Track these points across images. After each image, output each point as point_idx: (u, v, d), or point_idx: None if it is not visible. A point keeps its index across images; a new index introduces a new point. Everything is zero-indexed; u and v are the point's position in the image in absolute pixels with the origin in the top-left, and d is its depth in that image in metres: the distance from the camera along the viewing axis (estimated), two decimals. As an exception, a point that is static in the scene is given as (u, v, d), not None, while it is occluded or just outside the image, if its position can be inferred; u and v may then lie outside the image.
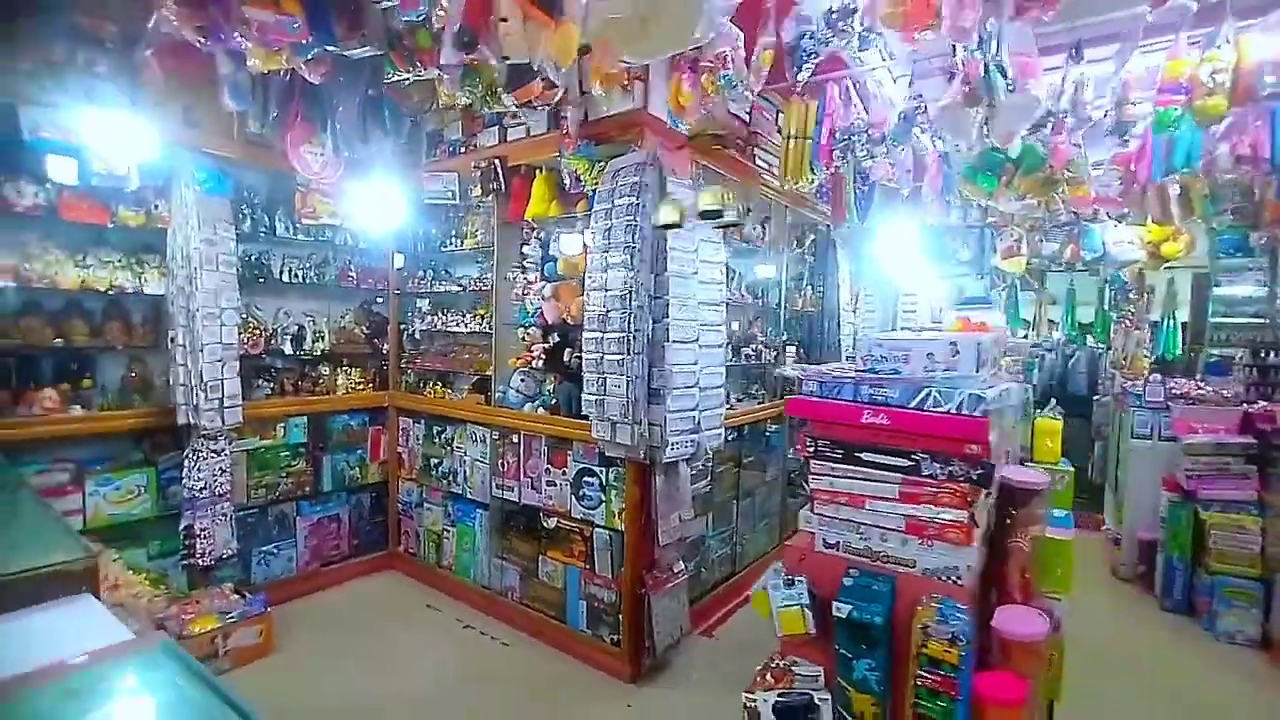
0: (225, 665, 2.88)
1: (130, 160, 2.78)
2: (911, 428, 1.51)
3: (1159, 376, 4.19)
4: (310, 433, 3.75)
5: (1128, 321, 6.27)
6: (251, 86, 2.65)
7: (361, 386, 4.01)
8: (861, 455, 1.59)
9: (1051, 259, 5.48)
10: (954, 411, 1.47)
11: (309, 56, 2.21)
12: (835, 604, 1.54)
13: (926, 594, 1.50)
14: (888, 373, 1.65)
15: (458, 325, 3.77)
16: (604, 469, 2.99)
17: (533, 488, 3.33)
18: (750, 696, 1.65)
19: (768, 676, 1.71)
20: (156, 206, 3.04)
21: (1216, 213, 3.96)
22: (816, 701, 1.60)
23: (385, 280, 4.09)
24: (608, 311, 2.62)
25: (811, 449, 1.69)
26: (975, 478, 1.46)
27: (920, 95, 2.69)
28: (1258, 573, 3.39)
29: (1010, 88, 2.14)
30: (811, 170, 3.04)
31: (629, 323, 2.55)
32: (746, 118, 3.28)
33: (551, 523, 3.27)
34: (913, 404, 1.53)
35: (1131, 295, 6.34)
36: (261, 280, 3.54)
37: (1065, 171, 3.22)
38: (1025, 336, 6.85)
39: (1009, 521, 1.80)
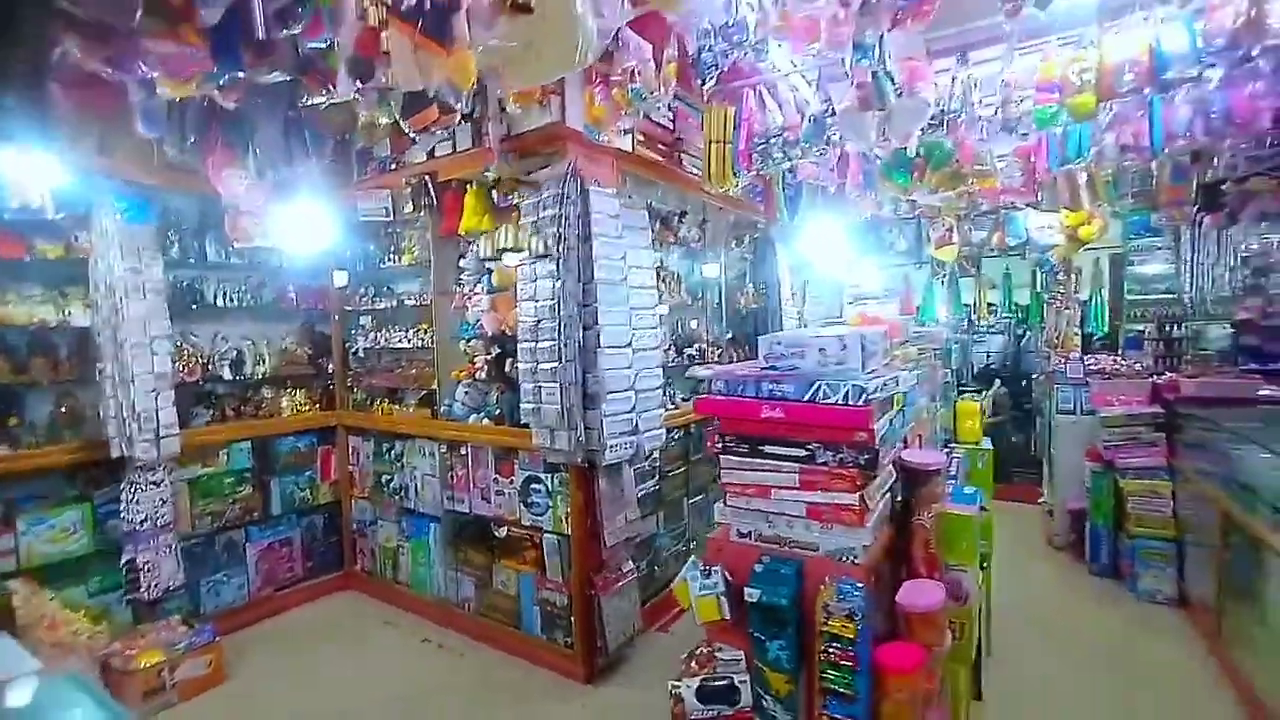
0: (174, 699, 2.85)
1: (44, 192, 2.73)
2: (805, 419, 1.62)
3: (1078, 354, 4.43)
4: (256, 457, 3.71)
5: (1058, 302, 6.60)
6: (167, 113, 2.62)
7: (307, 408, 3.98)
8: (764, 448, 1.69)
9: (981, 246, 5.73)
10: (840, 403, 1.58)
11: (220, 84, 2.23)
12: (746, 590, 1.64)
13: (828, 575, 1.61)
14: (786, 369, 1.75)
15: (401, 341, 3.78)
16: (549, 475, 3.05)
17: (483, 498, 3.37)
18: (675, 684, 1.74)
19: (693, 664, 1.80)
20: (77, 237, 2.99)
21: (1119, 197, 4.23)
22: (736, 684, 1.70)
23: (326, 299, 4.07)
24: (539, 321, 2.69)
25: (720, 445, 1.78)
26: (863, 463, 1.57)
27: (829, 99, 2.82)
28: (1171, 534, 3.63)
29: (898, 92, 2.28)
30: (734, 174, 3.16)
31: (559, 331, 2.62)
32: (670, 125, 3.38)
33: (503, 532, 3.32)
34: (806, 397, 1.63)
35: (1060, 277, 6.68)
36: (195, 306, 3.50)
37: (974, 165, 3.41)
38: (968, 320, 7.12)
39: (912, 501, 1.94)
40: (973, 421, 3.15)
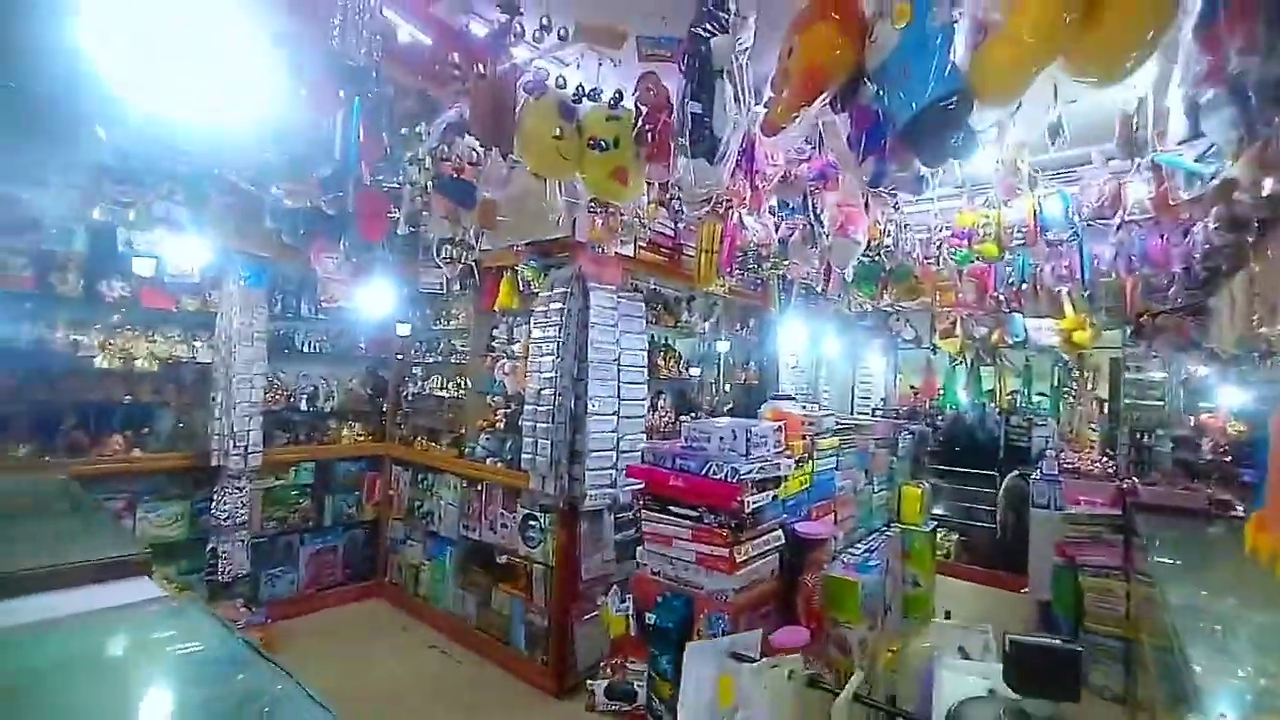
0: (230, 664, 3.56)
1: (195, 263, 3.71)
2: (696, 489, 2.18)
3: (1053, 451, 4.70)
4: (317, 476, 4.53)
5: (1072, 398, 6.78)
6: (288, 214, 3.56)
7: (363, 438, 4.80)
8: (670, 507, 2.26)
9: (983, 340, 6.07)
10: (723, 479, 2.14)
11: (324, 198, 3.10)
12: (646, 615, 2.19)
13: (706, 609, 2.13)
14: (696, 449, 2.33)
15: (443, 390, 4.56)
16: (544, 515, 3.67)
17: (491, 529, 4.01)
18: (591, 682, 2.28)
19: (609, 669, 2.34)
20: (210, 295, 3.96)
21: (1094, 310, 4.57)
22: (635, 688, 2.23)
23: (389, 349, 4.94)
24: (540, 390, 3.37)
25: (642, 502, 2.36)
26: (733, 525, 2.11)
27: (793, 228, 3.45)
28: (1121, 633, 3.82)
29: (827, 234, 2.88)
30: (719, 276, 3.81)
31: (554, 398, 3.29)
32: (673, 232, 4.08)
33: (503, 559, 3.93)
34: (701, 472, 2.20)
35: (1073, 374, 6.87)
36: (286, 351, 4.42)
37: (936, 282, 3.93)
38: (990, 406, 7.30)
39: (800, 563, 2.44)
40: (915, 505, 3.55)
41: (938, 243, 3.03)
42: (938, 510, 6.87)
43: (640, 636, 2.25)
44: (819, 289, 4.50)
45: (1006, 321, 5.91)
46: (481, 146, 2.03)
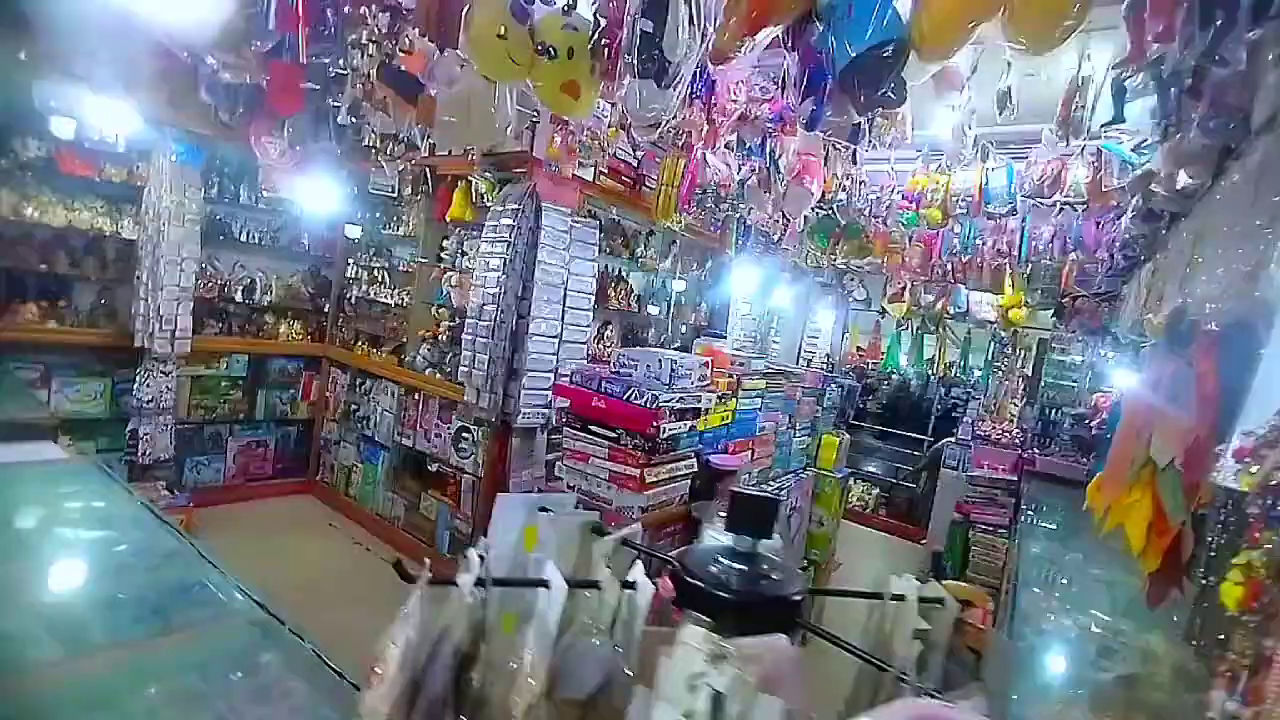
0: (149, 544, 3.59)
1: (120, 131, 3.45)
2: (615, 411, 2.27)
3: (970, 419, 5.01)
4: (250, 369, 4.44)
5: (1001, 372, 7.15)
6: (226, 89, 3.32)
7: (301, 337, 4.70)
8: (590, 427, 2.35)
9: (927, 309, 6.29)
10: (642, 405, 2.22)
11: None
12: (557, 523, 2.30)
13: (614, 523, 2.26)
14: (623, 374, 2.40)
15: (388, 297, 4.47)
16: (477, 428, 3.73)
17: (425, 438, 4.06)
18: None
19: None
20: (138, 167, 3.71)
21: (1031, 290, 4.79)
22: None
23: (333, 250, 4.78)
24: (483, 305, 3.35)
25: (565, 420, 2.44)
26: (646, 448, 2.22)
27: (753, 170, 3.43)
28: (996, 582, 4.23)
29: (783, 182, 2.89)
30: (676, 211, 3.79)
31: (496, 315, 3.28)
32: (636, 161, 4.01)
33: (435, 467, 4.01)
34: (624, 396, 2.28)
35: (1006, 350, 7.22)
36: (222, 237, 4.22)
37: (887, 244, 4.01)
38: (938, 372, 7.66)
39: (714, 490, 2.59)
40: (830, 452, 3.78)
41: (886, 204, 3.09)
42: (870, 467, 7.32)
43: (550, 544, 2.38)
44: (774, 237, 4.54)
45: (952, 292, 6.12)
46: (425, 38, 1.93)
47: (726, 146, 2.88)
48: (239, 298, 4.33)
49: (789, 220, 3.54)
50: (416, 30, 2.05)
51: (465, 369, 3.46)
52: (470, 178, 3.65)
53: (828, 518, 3.67)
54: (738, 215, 4.20)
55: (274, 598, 1.30)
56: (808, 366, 6.49)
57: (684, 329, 5.48)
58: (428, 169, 3.94)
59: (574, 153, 3.04)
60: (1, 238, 3.42)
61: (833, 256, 4.30)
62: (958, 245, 3.74)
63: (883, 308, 6.65)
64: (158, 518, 1.44)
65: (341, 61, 2.23)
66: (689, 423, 2.40)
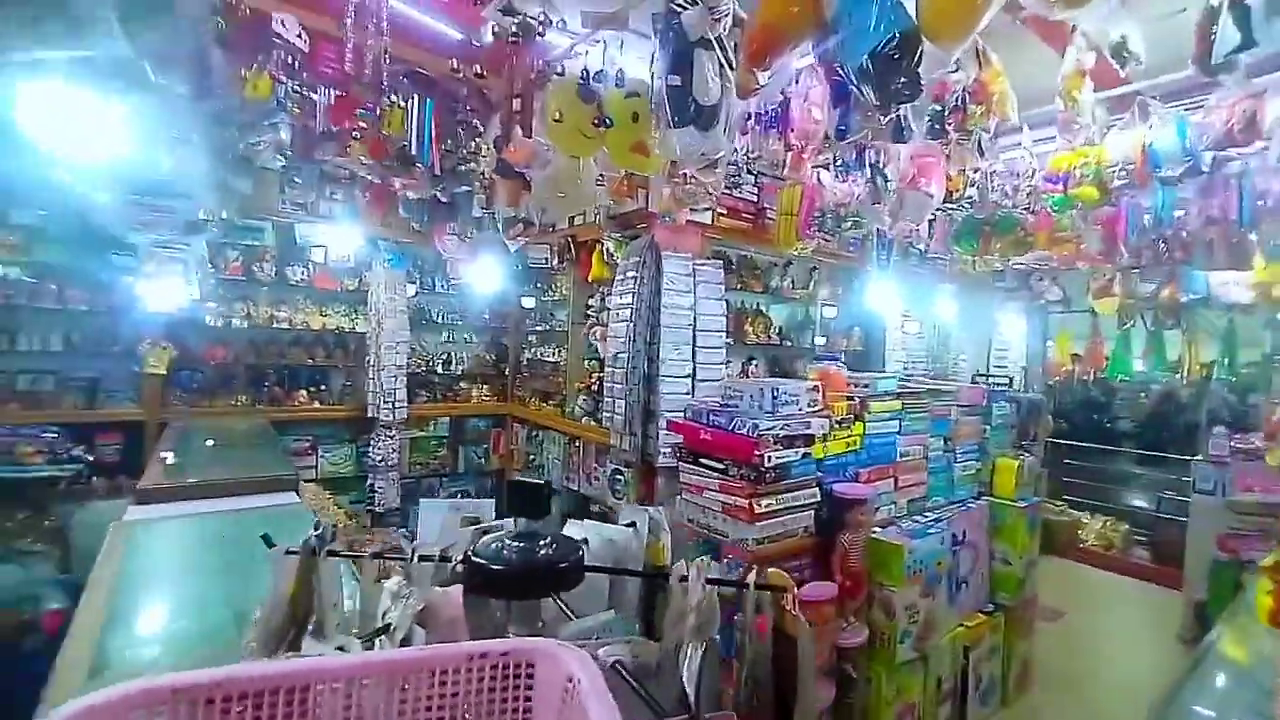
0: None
1: (350, 250, 4.51)
2: (721, 442, 2.31)
3: (1223, 429, 3.95)
4: (451, 430, 5.29)
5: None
6: (417, 204, 4.19)
7: (489, 399, 5.48)
8: (702, 460, 2.41)
9: (1148, 300, 5.18)
10: (746, 434, 2.24)
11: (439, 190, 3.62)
12: (677, 555, 2.38)
13: (729, 554, 2.27)
14: (729, 406, 2.44)
15: (551, 356, 5.04)
16: (628, 469, 3.97)
17: (587, 481, 4.42)
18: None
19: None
20: (363, 275, 4.77)
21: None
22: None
23: (508, 320, 5.55)
24: (616, 353, 3.64)
25: (681, 455, 2.53)
26: (753, 478, 2.21)
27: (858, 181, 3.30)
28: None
29: (891, 190, 2.74)
30: (798, 238, 3.76)
31: (628, 361, 3.54)
32: (755, 197, 4.07)
33: (596, 509, 4.32)
34: (729, 427, 2.32)
35: (1292, 339, 5.59)
36: (425, 321, 5.17)
37: (1054, 232, 3.51)
38: (1179, 376, 6.31)
39: (838, 522, 2.46)
40: (1009, 479, 3.27)
41: (1027, 190, 2.71)
42: (1123, 498, 6.06)
43: (675, 576, 2.45)
44: (920, 248, 4.22)
45: (1180, 275, 4.97)
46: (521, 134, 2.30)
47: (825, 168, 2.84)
48: (440, 369, 5.23)
49: (915, 227, 3.29)
50: (518, 129, 2.45)
51: (608, 414, 3.75)
52: (601, 240, 4.04)
53: (1013, 555, 3.16)
54: (865, 232, 4.00)
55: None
56: (986, 381, 5.71)
57: (841, 356, 5.23)
58: (569, 238, 4.44)
59: (683, 202, 3.23)
60: (285, 343, 4.64)
61: (989, 258, 3.83)
62: (1148, 221, 3.10)
63: (1091, 308, 5.63)
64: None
65: (465, 166, 2.74)
66: (800, 450, 2.33)
